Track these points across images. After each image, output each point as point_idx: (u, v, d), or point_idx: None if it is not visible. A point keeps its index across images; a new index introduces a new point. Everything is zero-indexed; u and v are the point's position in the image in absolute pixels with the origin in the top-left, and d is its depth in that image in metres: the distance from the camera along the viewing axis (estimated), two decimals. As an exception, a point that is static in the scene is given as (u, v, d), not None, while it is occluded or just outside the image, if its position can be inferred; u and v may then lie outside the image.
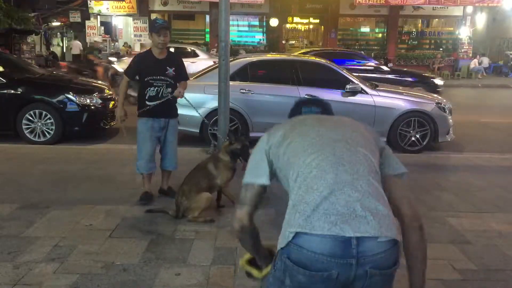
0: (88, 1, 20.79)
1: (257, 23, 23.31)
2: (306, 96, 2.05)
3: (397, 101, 7.09)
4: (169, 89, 4.28)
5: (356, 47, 21.96)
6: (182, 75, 4.40)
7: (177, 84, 4.36)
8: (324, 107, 1.92)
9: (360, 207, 1.42)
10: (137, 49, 20.22)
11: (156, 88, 4.23)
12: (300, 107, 1.91)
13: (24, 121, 6.84)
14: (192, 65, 14.50)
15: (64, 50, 24.04)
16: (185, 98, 4.52)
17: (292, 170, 1.57)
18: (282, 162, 1.62)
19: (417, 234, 1.57)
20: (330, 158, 1.53)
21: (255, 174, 1.69)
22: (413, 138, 7.00)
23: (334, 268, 1.36)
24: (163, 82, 4.26)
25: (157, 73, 4.21)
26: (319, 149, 1.56)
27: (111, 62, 14.59)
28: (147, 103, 4.25)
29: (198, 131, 6.92)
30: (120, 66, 13.04)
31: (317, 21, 22.83)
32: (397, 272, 1.54)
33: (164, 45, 4.20)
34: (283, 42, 22.40)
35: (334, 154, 1.54)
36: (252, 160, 1.74)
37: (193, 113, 5.54)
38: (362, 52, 16.86)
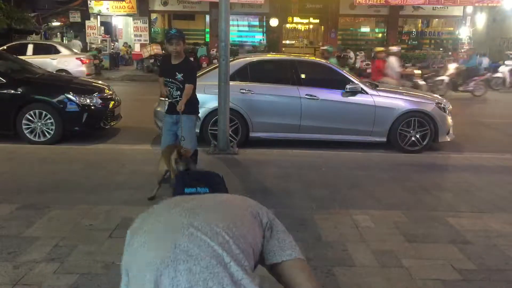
0: (88, 1, 20.80)
1: (257, 23, 23.30)
2: (188, 175, 1.69)
3: (397, 101, 7.09)
4: (178, 92, 4.76)
5: (355, 46, 21.97)
6: (186, 79, 4.76)
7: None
8: (212, 186, 1.49)
9: None
10: (137, 49, 20.24)
11: (169, 88, 4.78)
12: (182, 187, 1.48)
13: (24, 121, 6.84)
14: (53, 62, 13.98)
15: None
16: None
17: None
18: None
19: None
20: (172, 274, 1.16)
21: None
22: (413, 138, 7.00)
23: None
24: (174, 85, 4.77)
25: (169, 76, 4.76)
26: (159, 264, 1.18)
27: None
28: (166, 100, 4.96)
29: (198, 131, 6.93)
30: None
31: (317, 21, 22.82)
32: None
33: (177, 52, 4.69)
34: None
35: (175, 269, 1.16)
36: None
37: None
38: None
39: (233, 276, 1.16)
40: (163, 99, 5.52)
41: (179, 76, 4.71)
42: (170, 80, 4.75)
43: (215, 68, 7.07)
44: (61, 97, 6.98)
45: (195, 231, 1.22)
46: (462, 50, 21.28)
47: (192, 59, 6.08)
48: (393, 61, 9.40)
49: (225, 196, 1.44)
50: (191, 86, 4.75)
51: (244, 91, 6.93)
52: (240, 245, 1.24)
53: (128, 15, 21.56)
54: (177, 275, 1.13)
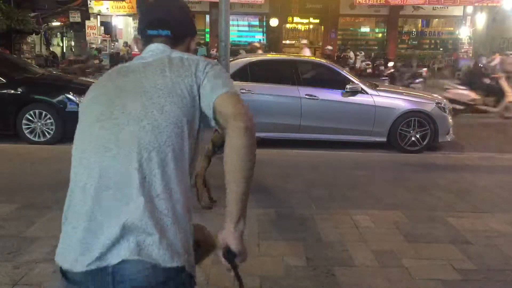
0: (88, 1, 20.79)
1: (257, 23, 23.31)
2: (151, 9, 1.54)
3: (397, 101, 7.10)
4: None
5: (355, 46, 21.97)
6: None
7: None
8: (174, 27, 1.47)
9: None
10: (137, 49, 20.22)
11: None
12: (144, 24, 1.48)
13: (24, 121, 6.84)
14: None
15: (64, 50, 24.03)
16: None
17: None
18: None
19: (238, 138, 1.22)
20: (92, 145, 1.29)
21: None
22: (413, 138, 7.00)
23: (88, 283, 1.23)
24: None
25: None
26: (88, 129, 1.33)
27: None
28: None
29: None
30: None
31: (317, 21, 22.83)
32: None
33: None
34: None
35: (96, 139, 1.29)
36: None
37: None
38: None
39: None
40: None
41: None
42: None
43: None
44: (61, 97, 6.98)
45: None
46: (462, 50, 21.32)
47: None
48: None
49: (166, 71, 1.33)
50: None
51: (244, 91, 6.93)
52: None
53: (128, 15, 21.57)
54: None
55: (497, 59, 15.68)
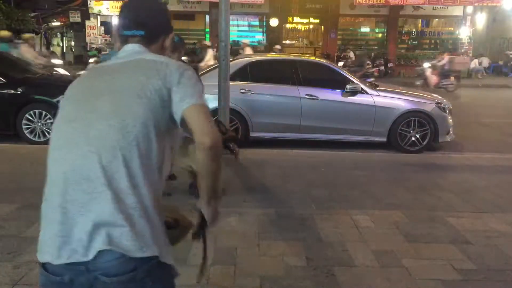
0: (88, 1, 20.78)
1: (257, 23, 23.28)
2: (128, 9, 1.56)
3: (397, 101, 7.10)
4: None
5: (355, 46, 21.96)
6: None
7: None
8: (149, 27, 1.52)
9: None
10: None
11: None
12: (121, 29, 1.54)
13: (24, 121, 6.85)
14: None
15: (64, 50, 24.03)
16: None
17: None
18: None
19: (203, 154, 1.34)
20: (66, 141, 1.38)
21: None
22: (413, 138, 7.00)
23: (66, 273, 1.34)
24: None
25: None
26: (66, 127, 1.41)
27: None
28: None
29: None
30: None
31: (317, 21, 22.81)
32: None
33: (178, 59, 4.78)
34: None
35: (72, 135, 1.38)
36: None
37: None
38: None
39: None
40: None
41: None
42: None
43: (215, 68, 7.07)
44: (61, 97, 6.96)
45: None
46: (463, 50, 21.31)
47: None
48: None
49: (138, 75, 1.41)
50: None
51: (244, 91, 6.93)
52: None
53: (128, 15, 21.52)
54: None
55: (445, 58, 15.58)
